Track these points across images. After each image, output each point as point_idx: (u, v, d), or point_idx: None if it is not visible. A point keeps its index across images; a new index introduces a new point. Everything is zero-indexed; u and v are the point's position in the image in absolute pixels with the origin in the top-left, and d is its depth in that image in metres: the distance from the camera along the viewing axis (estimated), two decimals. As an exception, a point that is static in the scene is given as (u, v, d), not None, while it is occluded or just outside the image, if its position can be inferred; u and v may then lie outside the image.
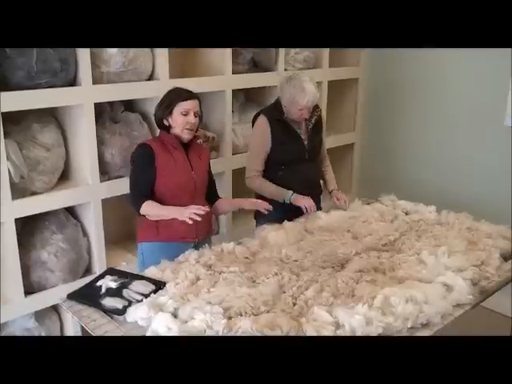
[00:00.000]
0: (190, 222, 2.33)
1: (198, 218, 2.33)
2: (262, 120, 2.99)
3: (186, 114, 2.51)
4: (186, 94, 2.54)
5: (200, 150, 2.71)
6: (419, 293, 2.03)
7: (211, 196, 2.79)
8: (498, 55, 3.52)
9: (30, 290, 2.85)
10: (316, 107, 3.05)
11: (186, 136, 2.56)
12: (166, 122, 2.57)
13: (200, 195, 2.67)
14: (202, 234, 2.66)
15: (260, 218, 2.99)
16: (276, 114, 2.98)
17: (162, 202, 2.52)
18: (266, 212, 2.68)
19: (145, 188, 2.53)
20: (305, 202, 2.92)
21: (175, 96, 2.54)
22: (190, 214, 2.33)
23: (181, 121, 2.52)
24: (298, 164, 3.03)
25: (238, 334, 1.78)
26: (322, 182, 3.26)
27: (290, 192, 2.95)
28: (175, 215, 2.42)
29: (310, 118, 3.03)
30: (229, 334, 1.79)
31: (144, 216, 2.55)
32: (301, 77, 2.89)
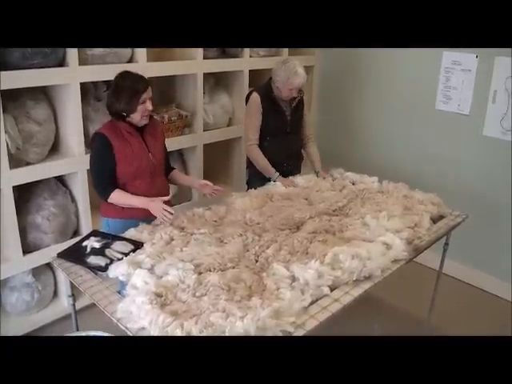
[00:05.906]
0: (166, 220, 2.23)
1: (170, 217, 2.22)
2: (255, 96, 2.99)
3: (144, 103, 2.27)
4: (143, 86, 2.26)
5: (154, 129, 2.46)
6: (363, 250, 2.04)
7: (167, 168, 2.58)
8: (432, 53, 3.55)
9: (27, 249, 2.80)
10: (300, 90, 3.04)
11: (144, 122, 2.33)
12: (123, 113, 2.29)
13: (159, 173, 2.47)
14: None
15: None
16: (267, 92, 2.99)
17: (124, 184, 2.33)
18: (209, 196, 2.53)
19: (108, 176, 2.31)
20: (286, 183, 2.91)
21: (133, 90, 2.24)
22: (162, 213, 2.21)
23: (140, 109, 2.27)
24: (281, 136, 3.05)
25: (207, 287, 1.76)
26: (308, 159, 3.27)
27: (277, 174, 2.97)
28: (146, 207, 2.26)
29: (294, 98, 3.04)
30: (199, 288, 1.76)
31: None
32: (293, 61, 2.90)
